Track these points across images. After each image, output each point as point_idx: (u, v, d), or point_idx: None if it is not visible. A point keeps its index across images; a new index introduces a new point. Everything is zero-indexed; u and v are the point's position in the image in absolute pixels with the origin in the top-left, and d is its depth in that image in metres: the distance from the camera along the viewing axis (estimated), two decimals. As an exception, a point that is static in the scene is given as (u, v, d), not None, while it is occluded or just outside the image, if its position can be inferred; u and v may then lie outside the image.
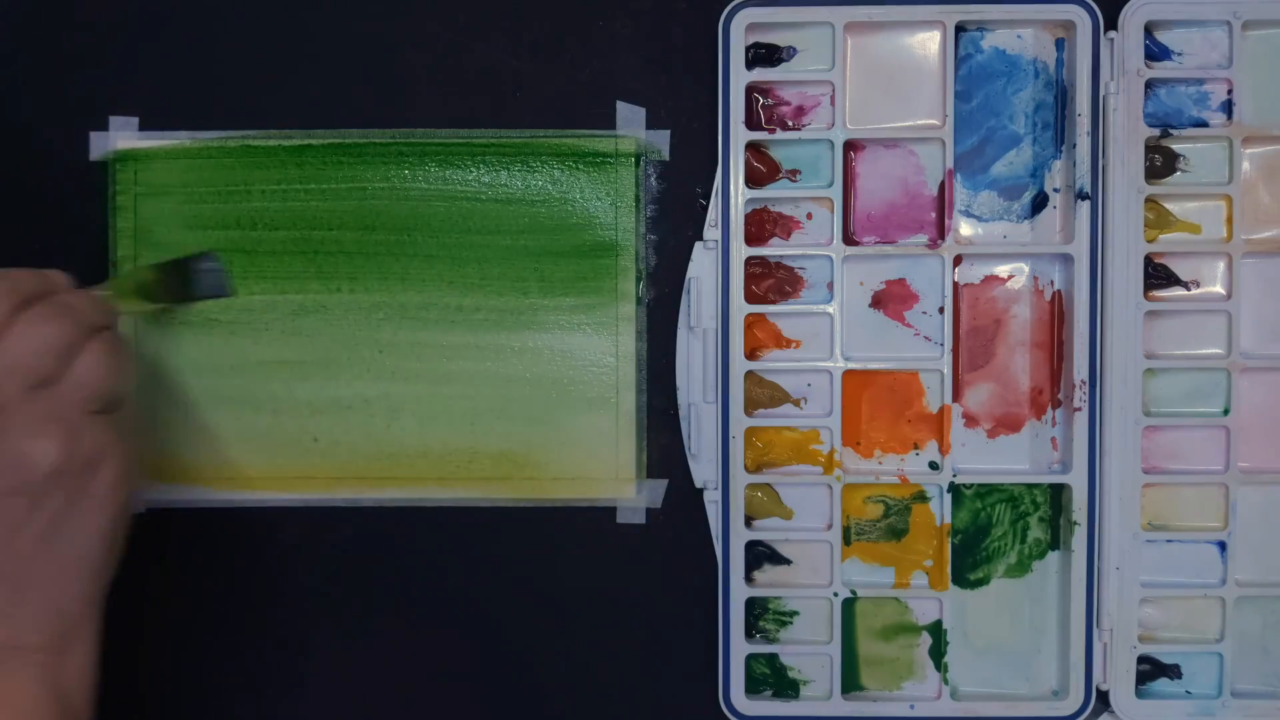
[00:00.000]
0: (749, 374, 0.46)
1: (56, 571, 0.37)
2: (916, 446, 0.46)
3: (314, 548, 0.47)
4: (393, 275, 0.47)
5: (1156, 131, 0.45)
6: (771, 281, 0.46)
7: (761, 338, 0.46)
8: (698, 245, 0.46)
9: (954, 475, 0.46)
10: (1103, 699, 0.46)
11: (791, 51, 0.46)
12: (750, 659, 0.46)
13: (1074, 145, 0.45)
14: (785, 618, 0.46)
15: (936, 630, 0.46)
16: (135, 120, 0.47)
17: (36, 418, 0.36)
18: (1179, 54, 0.45)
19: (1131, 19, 0.44)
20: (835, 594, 0.46)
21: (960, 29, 0.45)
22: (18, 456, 0.36)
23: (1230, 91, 0.45)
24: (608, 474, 0.47)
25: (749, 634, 0.46)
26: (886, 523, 0.46)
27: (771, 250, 0.46)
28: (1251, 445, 0.46)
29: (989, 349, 0.47)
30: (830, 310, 0.46)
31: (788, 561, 0.47)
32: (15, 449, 0.36)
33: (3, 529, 0.36)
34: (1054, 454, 0.46)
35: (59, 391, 0.37)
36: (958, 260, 0.46)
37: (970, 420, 0.47)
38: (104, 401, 0.38)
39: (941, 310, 0.46)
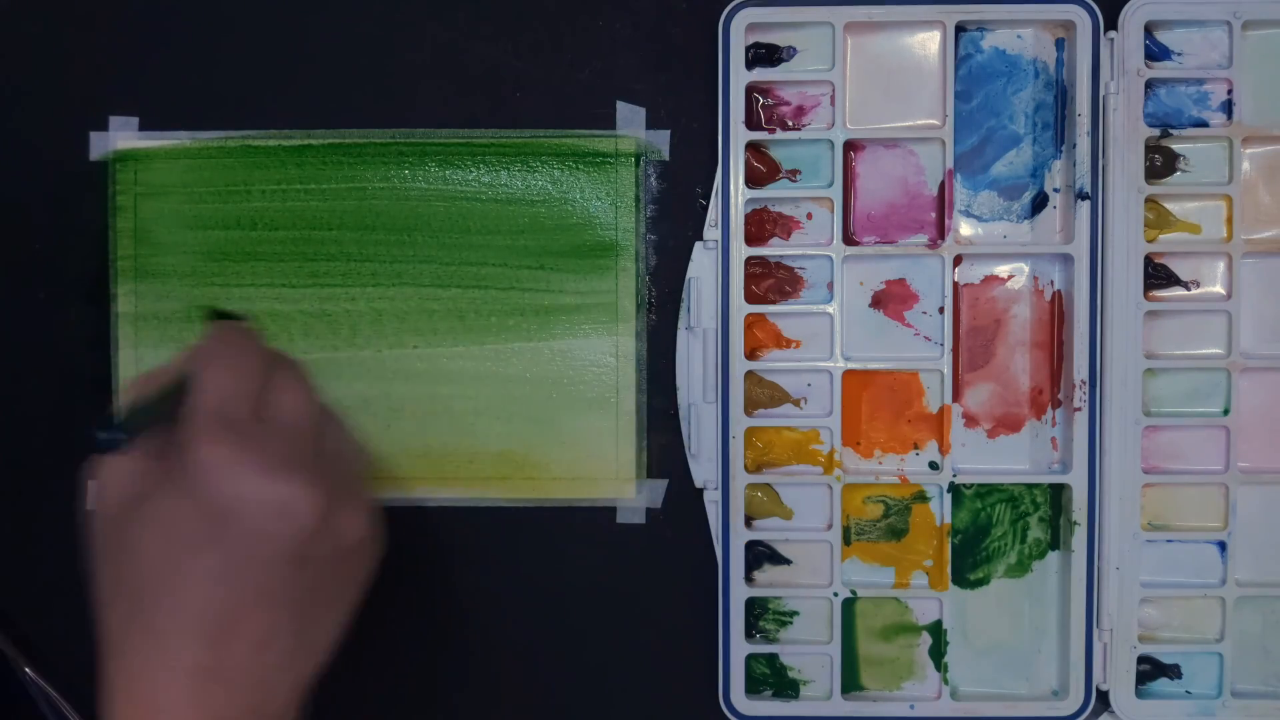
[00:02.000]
0: (749, 374, 0.46)
1: (312, 642, 0.35)
2: (916, 446, 0.46)
3: (314, 548, 0.47)
4: (393, 275, 0.47)
5: (1156, 131, 0.45)
6: (771, 281, 0.46)
7: (761, 338, 0.46)
8: (698, 245, 0.46)
9: (954, 475, 0.46)
10: (1103, 699, 0.46)
11: (791, 51, 0.46)
12: (750, 659, 0.46)
13: (1074, 145, 0.45)
14: (785, 618, 0.46)
15: (936, 630, 0.46)
16: (135, 120, 0.47)
17: (341, 487, 0.34)
18: (1179, 54, 0.45)
19: (1131, 19, 0.44)
20: (835, 594, 0.46)
21: (960, 29, 0.45)
22: (335, 527, 0.34)
23: (1230, 91, 0.45)
24: (608, 474, 0.47)
25: (749, 634, 0.46)
26: (886, 523, 0.47)
27: (771, 250, 0.46)
28: (1251, 445, 0.46)
29: (989, 349, 0.47)
30: (830, 310, 0.46)
31: (788, 561, 0.47)
32: (335, 518, 0.34)
33: (300, 594, 0.34)
34: (1054, 454, 0.46)
35: (337, 458, 0.36)
36: (958, 260, 0.46)
37: (970, 420, 0.47)
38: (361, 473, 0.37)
39: (941, 310, 0.46)
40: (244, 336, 0.36)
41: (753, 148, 0.45)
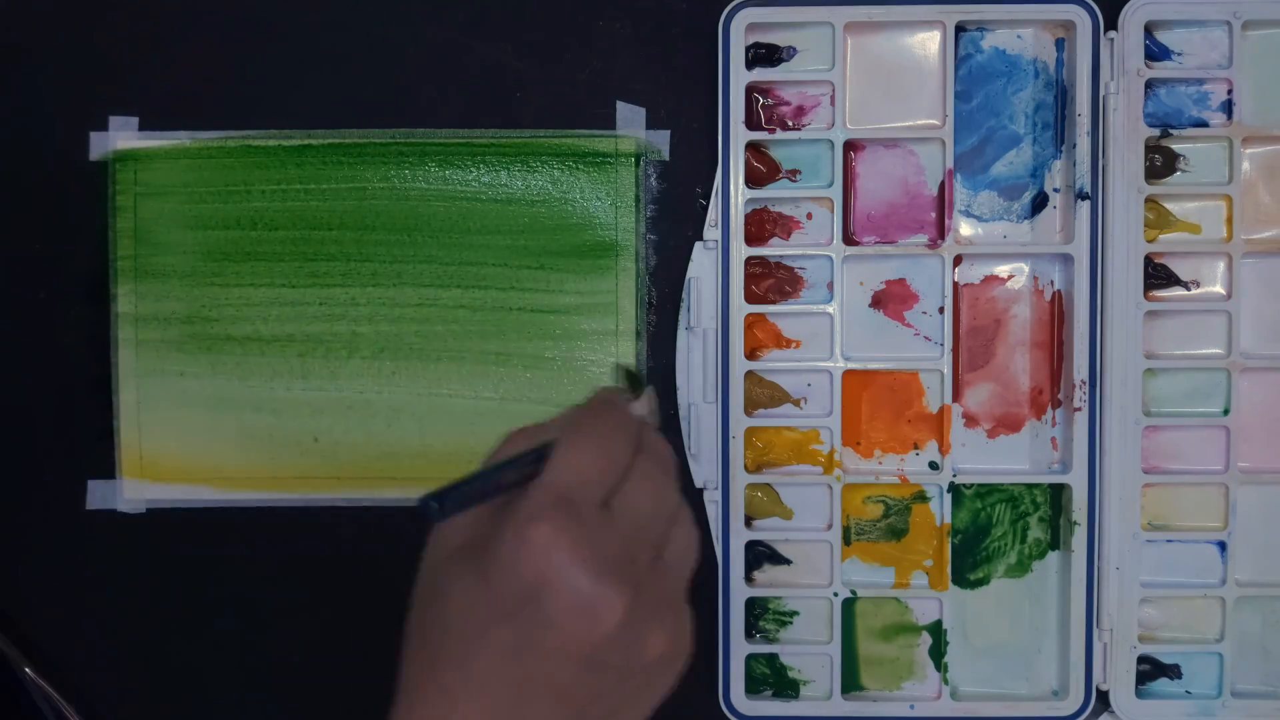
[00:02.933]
0: (749, 374, 0.46)
1: None
2: (916, 446, 0.46)
3: (314, 548, 0.47)
4: (393, 275, 0.47)
5: (1156, 131, 0.45)
6: (771, 281, 0.46)
7: (761, 338, 0.46)
8: (698, 245, 0.46)
9: (954, 475, 0.46)
10: (1103, 699, 0.46)
11: (791, 51, 0.45)
12: (750, 659, 0.46)
13: (1074, 145, 0.45)
14: (785, 618, 0.46)
15: (936, 630, 0.46)
16: (135, 120, 0.47)
17: (656, 598, 0.32)
18: (1179, 54, 0.45)
19: (1131, 19, 0.44)
20: (835, 594, 0.46)
21: (960, 29, 0.45)
22: (637, 640, 0.31)
23: (1230, 91, 0.45)
24: (608, 474, 0.47)
25: (749, 634, 0.46)
26: (886, 523, 0.46)
27: (771, 250, 0.46)
28: (1251, 445, 0.46)
29: (989, 349, 0.47)
30: (830, 310, 0.46)
31: (788, 561, 0.47)
32: (638, 631, 0.31)
33: (585, 698, 0.32)
34: (1054, 454, 0.46)
35: (666, 567, 0.33)
36: (958, 260, 0.46)
37: (970, 420, 0.47)
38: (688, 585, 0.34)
39: (941, 310, 0.46)
40: (620, 415, 0.34)
41: (753, 148, 0.45)
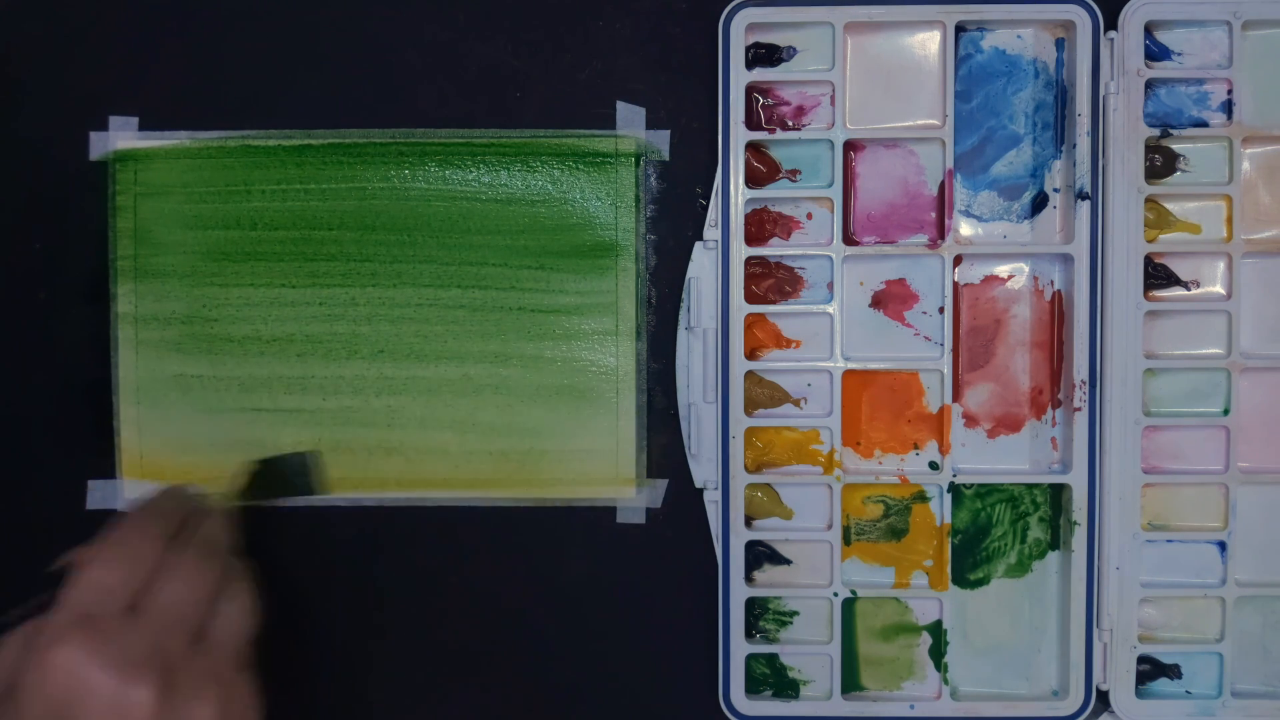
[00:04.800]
0: (749, 374, 0.46)
1: None
2: (916, 446, 0.46)
3: (315, 548, 0.47)
4: (393, 275, 0.47)
5: (1156, 131, 0.45)
6: (771, 281, 0.46)
7: (761, 338, 0.46)
8: (698, 245, 0.46)
9: (954, 475, 0.46)
10: (1103, 699, 0.46)
11: (791, 51, 0.46)
12: (750, 659, 0.46)
13: (1074, 145, 0.45)
14: (785, 618, 0.46)
15: (936, 630, 0.46)
16: (135, 120, 0.47)
17: (197, 677, 0.35)
18: (1179, 54, 0.45)
19: (1131, 19, 0.44)
20: (835, 594, 0.46)
21: (960, 29, 0.45)
22: (182, 718, 0.34)
23: (1230, 91, 0.45)
24: (608, 474, 0.47)
25: (749, 634, 0.46)
26: (886, 523, 0.47)
27: (771, 250, 0.46)
28: (1251, 445, 0.46)
29: (989, 349, 0.47)
30: (830, 310, 0.46)
31: (788, 561, 0.47)
32: (180, 712, 0.34)
33: None
34: (1054, 454, 0.46)
35: (211, 645, 0.36)
36: (958, 260, 0.46)
37: (970, 420, 0.47)
38: (245, 652, 0.37)
39: (941, 310, 0.46)
40: (146, 521, 0.37)
41: (753, 148, 0.45)
